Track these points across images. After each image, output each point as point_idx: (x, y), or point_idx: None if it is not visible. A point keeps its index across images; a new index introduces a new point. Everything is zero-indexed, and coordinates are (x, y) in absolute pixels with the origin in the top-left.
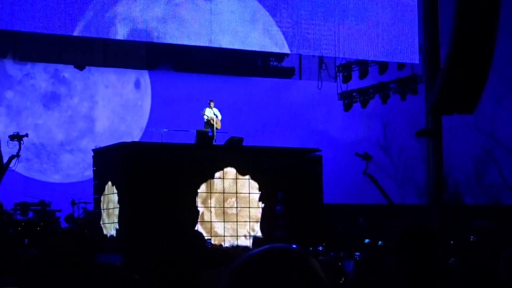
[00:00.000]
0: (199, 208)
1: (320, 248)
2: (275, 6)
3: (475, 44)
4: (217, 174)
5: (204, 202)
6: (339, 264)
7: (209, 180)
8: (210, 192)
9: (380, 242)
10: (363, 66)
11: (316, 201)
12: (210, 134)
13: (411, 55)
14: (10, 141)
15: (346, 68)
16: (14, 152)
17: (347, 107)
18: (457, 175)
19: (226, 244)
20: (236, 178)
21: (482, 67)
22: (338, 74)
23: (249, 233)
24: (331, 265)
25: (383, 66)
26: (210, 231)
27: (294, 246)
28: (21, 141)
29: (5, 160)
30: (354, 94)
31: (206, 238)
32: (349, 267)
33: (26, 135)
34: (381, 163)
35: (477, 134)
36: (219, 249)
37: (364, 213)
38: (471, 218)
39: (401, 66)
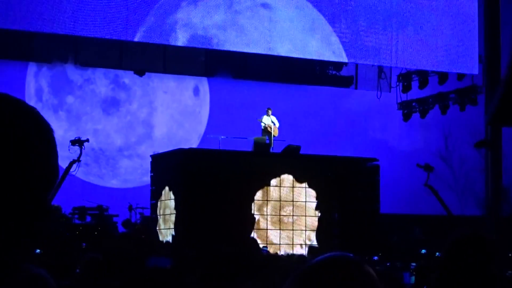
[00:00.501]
0: (255, 216)
1: (376, 258)
2: (334, 15)
3: None
4: (274, 182)
5: (260, 209)
6: (394, 275)
7: (265, 188)
8: (267, 200)
9: (437, 253)
10: (423, 76)
11: (372, 211)
12: (267, 141)
13: (471, 66)
14: (71, 146)
15: (406, 78)
16: (75, 156)
17: (406, 117)
18: None
19: (281, 252)
20: (293, 186)
21: None
22: (398, 83)
23: (305, 242)
24: (388, 275)
25: (443, 76)
26: (266, 239)
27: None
28: (82, 146)
29: (65, 164)
30: (413, 104)
31: (262, 245)
32: (406, 278)
33: (87, 140)
34: (442, 174)
35: None
36: (275, 256)
37: (420, 223)
38: None
39: (461, 76)
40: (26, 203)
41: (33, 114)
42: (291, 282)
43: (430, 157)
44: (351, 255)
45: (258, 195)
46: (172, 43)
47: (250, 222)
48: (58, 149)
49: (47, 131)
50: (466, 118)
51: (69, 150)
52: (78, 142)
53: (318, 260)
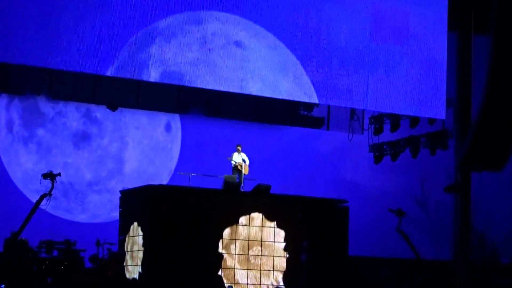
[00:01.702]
0: (222, 254)
1: None
2: (306, 55)
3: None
4: (243, 220)
5: (227, 248)
6: None
7: (234, 226)
8: (235, 239)
9: None
10: (395, 119)
11: (341, 253)
12: (237, 180)
13: (439, 110)
14: (43, 180)
15: (378, 120)
16: (45, 190)
17: (377, 160)
18: (494, 234)
19: None
20: (262, 226)
21: None
22: (370, 126)
23: (272, 283)
24: None
25: (414, 120)
26: (233, 278)
27: None
28: (54, 180)
29: (36, 197)
30: (384, 146)
31: (228, 285)
32: None
33: (59, 174)
34: (415, 218)
35: None
36: None
37: (389, 266)
38: (504, 276)
39: (432, 120)
40: None
41: None
42: None
43: (401, 200)
44: None
45: (226, 233)
46: (145, 78)
47: (218, 261)
48: (28, 182)
49: None
50: (438, 162)
51: (40, 184)
52: (50, 176)
53: None
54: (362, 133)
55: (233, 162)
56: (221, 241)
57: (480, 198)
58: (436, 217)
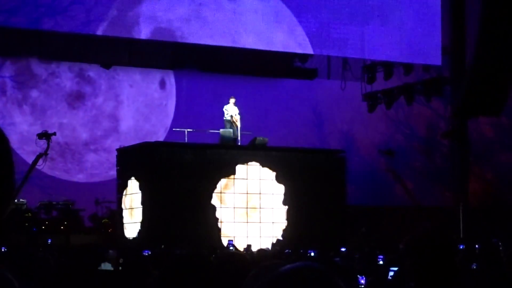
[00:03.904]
0: (221, 208)
1: (344, 249)
2: (299, 6)
3: (500, 45)
4: (241, 172)
5: (227, 202)
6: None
7: (232, 180)
8: (234, 193)
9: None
10: (388, 67)
11: (339, 202)
12: (234, 134)
13: (434, 57)
14: (38, 140)
15: (370, 69)
16: (41, 150)
17: (371, 108)
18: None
19: (247, 244)
20: (260, 179)
21: (508, 69)
22: (363, 74)
23: (272, 234)
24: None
25: (408, 68)
26: (233, 231)
27: (315, 251)
28: (50, 140)
29: (32, 158)
30: (378, 95)
31: (228, 240)
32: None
33: (54, 134)
34: (413, 164)
35: None
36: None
37: (388, 215)
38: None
39: (426, 68)
40: None
41: None
42: None
43: (397, 147)
44: (315, 251)
45: (225, 187)
46: (136, 36)
47: (216, 216)
48: (24, 143)
49: (4, 141)
50: (434, 109)
51: (36, 144)
52: (45, 135)
53: (286, 269)
54: (360, 82)
55: (227, 113)
56: (220, 195)
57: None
58: (434, 162)
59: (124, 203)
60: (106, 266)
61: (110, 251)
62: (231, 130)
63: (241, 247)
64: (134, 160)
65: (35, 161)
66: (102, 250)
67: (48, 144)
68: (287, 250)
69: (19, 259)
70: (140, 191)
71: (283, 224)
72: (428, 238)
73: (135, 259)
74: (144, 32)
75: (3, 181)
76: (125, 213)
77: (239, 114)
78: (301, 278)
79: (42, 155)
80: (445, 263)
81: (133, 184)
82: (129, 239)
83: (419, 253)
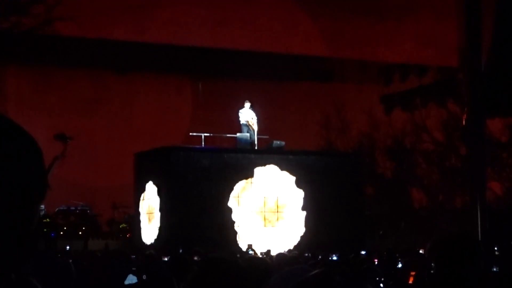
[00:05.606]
0: (240, 212)
1: (364, 252)
2: (316, 7)
3: None
4: (259, 177)
5: (245, 205)
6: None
7: (250, 183)
8: (251, 196)
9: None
10: (404, 69)
11: (358, 206)
12: (250, 138)
13: (450, 58)
14: (54, 140)
15: (386, 71)
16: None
17: (387, 111)
18: None
19: (266, 250)
20: (278, 182)
21: None
22: (379, 77)
23: (290, 238)
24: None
25: (423, 69)
26: (250, 236)
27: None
28: (66, 142)
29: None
30: (395, 97)
31: (248, 244)
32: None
33: (72, 138)
34: (431, 166)
35: None
36: (258, 259)
37: (405, 218)
38: None
39: (441, 69)
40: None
41: (26, 134)
42: None
43: (412, 148)
44: (336, 274)
45: (244, 191)
46: (152, 41)
47: (234, 219)
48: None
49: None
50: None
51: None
52: (61, 137)
53: (315, 274)
54: (377, 84)
55: (243, 118)
56: (238, 199)
57: None
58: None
59: (141, 208)
60: (131, 278)
61: (144, 276)
62: (248, 134)
63: (258, 251)
64: (152, 164)
65: (52, 164)
66: (127, 260)
67: (65, 147)
68: (306, 254)
69: (42, 266)
70: (158, 196)
71: (301, 227)
72: (454, 241)
73: (159, 275)
74: (160, 37)
75: (39, 194)
76: (142, 218)
77: (255, 117)
78: (330, 283)
79: (59, 157)
80: (470, 266)
81: (150, 189)
82: (147, 244)
83: (445, 257)
